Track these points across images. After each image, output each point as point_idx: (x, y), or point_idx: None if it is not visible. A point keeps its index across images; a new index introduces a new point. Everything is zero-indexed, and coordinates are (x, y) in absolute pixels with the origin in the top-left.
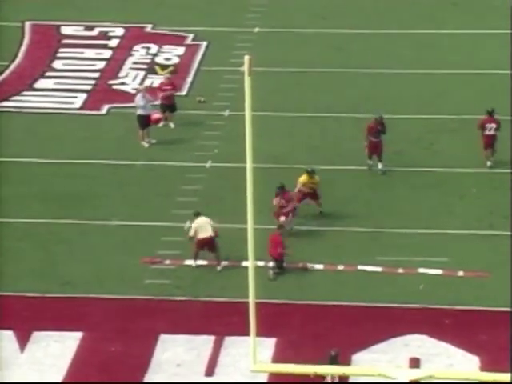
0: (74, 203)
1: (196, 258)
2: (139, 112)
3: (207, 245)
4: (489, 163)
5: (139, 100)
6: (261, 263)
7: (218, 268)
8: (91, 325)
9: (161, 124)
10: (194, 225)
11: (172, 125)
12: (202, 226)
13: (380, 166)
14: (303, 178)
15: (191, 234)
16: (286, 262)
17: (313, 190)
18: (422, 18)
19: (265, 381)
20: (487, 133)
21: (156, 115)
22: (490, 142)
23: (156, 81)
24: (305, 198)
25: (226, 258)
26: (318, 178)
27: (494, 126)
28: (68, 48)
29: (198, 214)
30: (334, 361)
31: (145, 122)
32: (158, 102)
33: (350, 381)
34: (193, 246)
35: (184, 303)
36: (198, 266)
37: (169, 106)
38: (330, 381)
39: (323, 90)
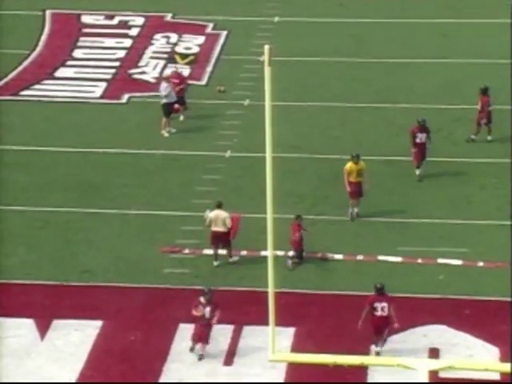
0: (93, 192)
1: (216, 258)
2: (164, 101)
3: (219, 239)
4: (489, 137)
5: (164, 89)
6: (280, 253)
7: (230, 260)
8: (111, 313)
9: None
10: (210, 215)
11: (182, 117)
12: (216, 220)
13: (417, 171)
14: (349, 165)
15: (207, 223)
16: (306, 251)
17: (361, 179)
18: (441, 7)
19: (283, 370)
20: (489, 109)
21: (176, 105)
22: (491, 118)
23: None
24: (357, 196)
25: (246, 248)
26: (363, 163)
27: (480, 103)
28: (88, 37)
29: (218, 206)
30: (381, 292)
31: (170, 110)
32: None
33: (369, 372)
34: (209, 240)
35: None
36: (217, 256)
37: (178, 98)
38: (379, 313)
39: (343, 79)
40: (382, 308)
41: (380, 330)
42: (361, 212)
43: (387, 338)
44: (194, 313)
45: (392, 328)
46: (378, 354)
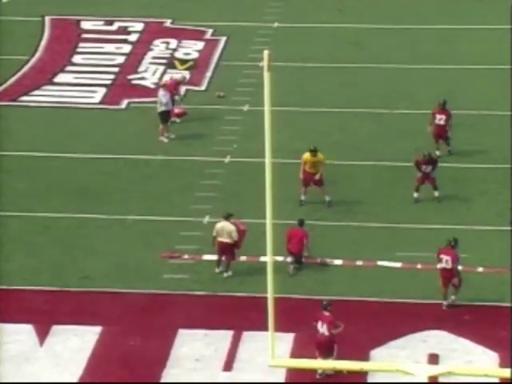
0: (93, 198)
1: (219, 265)
2: (163, 108)
3: (224, 250)
4: (438, 153)
5: (162, 96)
6: (279, 258)
7: (225, 274)
8: (110, 319)
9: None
10: (216, 226)
11: (178, 120)
12: (221, 231)
13: (436, 193)
14: (305, 155)
15: (213, 233)
16: (308, 256)
17: (315, 171)
18: (441, 12)
19: (283, 375)
20: (436, 122)
21: (177, 110)
22: (439, 133)
23: (175, 76)
24: (310, 181)
25: (245, 253)
26: (321, 156)
27: (443, 117)
28: (88, 43)
29: (225, 217)
30: (449, 245)
31: (168, 117)
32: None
33: (369, 376)
34: (214, 247)
35: (202, 298)
36: (218, 261)
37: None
38: (443, 265)
39: (342, 85)
40: (446, 261)
41: (443, 282)
42: (359, 217)
43: (453, 295)
44: (335, 331)
45: (454, 282)
46: (448, 306)
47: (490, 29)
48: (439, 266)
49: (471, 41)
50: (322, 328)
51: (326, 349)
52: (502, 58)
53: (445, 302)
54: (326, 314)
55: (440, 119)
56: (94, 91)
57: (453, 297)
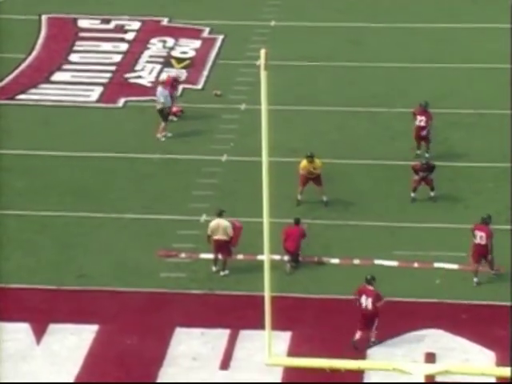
0: (90, 196)
1: (215, 263)
2: (162, 106)
3: (220, 247)
4: (427, 155)
5: (161, 93)
6: (276, 257)
7: (222, 273)
8: (107, 318)
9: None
10: (211, 224)
11: (175, 118)
12: (217, 229)
13: (432, 193)
14: (303, 163)
15: (208, 232)
16: (302, 255)
17: (314, 175)
18: (438, 11)
19: (280, 374)
20: (417, 124)
21: (174, 108)
22: (418, 134)
23: (171, 74)
24: (307, 182)
25: (242, 252)
26: (319, 162)
27: (423, 118)
28: (85, 41)
29: (219, 214)
30: (484, 221)
31: (168, 114)
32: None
33: (365, 375)
34: (210, 247)
35: (199, 296)
36: (215, 260)
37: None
38: (477, 241)
39: (340, 83)
40: (480, 237)
41: (476, 258)
42: (356, 216)
43: (491, 271)
44: (379, 304)
45: (489, 259)
46: (478, 284)
47: (489, 28)
48: (475, 241)
49: (470, 40)
50: (367, 301)
51: (368, 322)
52: (501, 58)
53: (475, 279)
54: (370, 288)
55: (420, 120)
56: (91, 90)
57: (492, 271)
